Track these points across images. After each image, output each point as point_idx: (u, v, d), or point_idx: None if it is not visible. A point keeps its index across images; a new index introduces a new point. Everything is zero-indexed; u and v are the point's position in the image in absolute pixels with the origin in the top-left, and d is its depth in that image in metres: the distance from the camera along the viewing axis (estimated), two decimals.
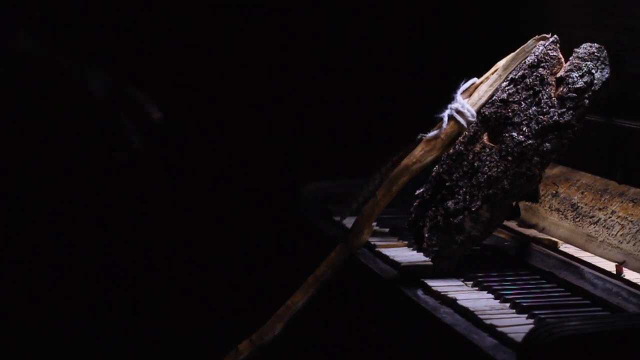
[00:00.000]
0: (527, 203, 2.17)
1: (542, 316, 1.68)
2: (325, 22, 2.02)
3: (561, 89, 1.93)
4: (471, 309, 1.72)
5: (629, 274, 1.85)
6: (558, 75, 1.96)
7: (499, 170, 1.91)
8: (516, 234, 2.15)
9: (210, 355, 2.14)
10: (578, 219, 2.06)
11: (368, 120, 2.89)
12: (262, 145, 2.64)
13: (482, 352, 1.58)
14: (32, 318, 1.68)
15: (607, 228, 1.98)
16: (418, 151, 2.05)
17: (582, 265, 1.91)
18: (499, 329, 1.63)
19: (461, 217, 1.91)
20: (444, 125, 2.04)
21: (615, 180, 2.05)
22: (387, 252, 2.09)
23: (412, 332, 1.89)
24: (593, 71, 1.93)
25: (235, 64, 1.77)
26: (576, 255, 1.98)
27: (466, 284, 1.89)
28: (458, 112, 2.04)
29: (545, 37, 2.04)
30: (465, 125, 2.03)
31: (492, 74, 2.07)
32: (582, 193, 2.10)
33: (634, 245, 1.89)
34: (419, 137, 2.06)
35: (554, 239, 2.06)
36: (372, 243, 2.14)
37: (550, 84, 1.95)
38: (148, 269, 1.97)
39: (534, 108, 1.93)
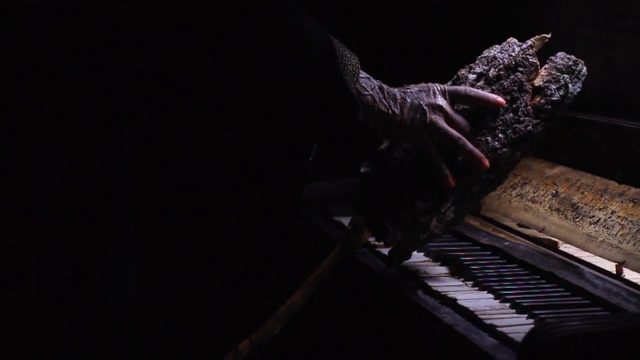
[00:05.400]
0: (527, 203, 2.17)
1: (542, 316, 1.68)
2: (325, 21, 2.02)
3: (538, 99, 1.92)
4: (471, 309, 1.72)
5: (629, 274, 1.85)
6: (536, 84, 1.95)
7: (471, 175, 1.91)
8: (516, 234, 2.16)
9: (210, 355, 2.14)
10: (578, 219, 2.06)
11: None
12: (262, 145, 2.64)
13: (482, 352, 1.58)
14: (30, 317, 1.68)
15: (607, 228, 1.98)
16: None
17: (582, 265, 1.91)
18: (499, 329, 1.63)
19: (429, 217, 1.91)
20: None
21: (615, 180, 2.06)
22: (387, 252, 2.09)
23: (412, 332, 1.89)
24: (569, 85, 1.93)
25: (233, 63, 1.77)
26: (576, 255, 1.98)
27: (466, 284, 1.89)
28: None
29: (545, 37, 2.04)
30: None
31: None
32: (582, 193, 2.10)
33: (634, 245, 1.90)
34: None
35: (554, 239, 2.06)
36: (372, 243, 2.14)
37: (528, 92, 1.94)
38: (147, 268, 1.96)
39: (510, 115, 1.92)
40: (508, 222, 2.22)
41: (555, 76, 1.94)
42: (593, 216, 2.03)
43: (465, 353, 1.63)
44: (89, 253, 1.69)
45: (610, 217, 1.99)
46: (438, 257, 2.03)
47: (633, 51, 2.16)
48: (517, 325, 1.65)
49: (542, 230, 2.14)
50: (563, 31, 2.23)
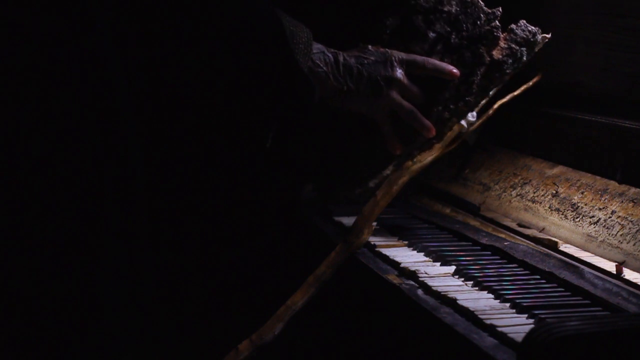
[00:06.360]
0: (527, 203, 2.17)
1: (542, 316, 1.68)
2: (325, 22, 2.02)
3: (493, 72, 1.93)
4: (471, 309, 1.72)
5: (629, 274, 1.85)
6: (495, 56, 1.94)
7: (416, 141, 1.94)
8: (516, 234, 2.15)
9: (210, 355, 2.14)
10: (578, 219, 2.06)
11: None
12: (262, 144, 2.64)
13: (482, 352, 1.58)
14: (29, 317, 1.68)
15: (607, 228, 1.98)
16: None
17: (582, 265, 1.91)
18: (499, 329, 1.63)
19: (372, 180, 1.95)
20: None
21: (615, 180, 2.05)
22: (387, 252, 2.09)
23: (412, 332, 1.89)
24: (524, 57, 1.94)
25: (234, 62, 1.77)
26: (576, 255, 1.98)
27: (466, 284, 1.89)
28: None
29: (545, 37, 2.04)
30: (465, 125, 2.03)
31: None
32: (582, 193, 2.10)
33: (634, 245, 1.90)
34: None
35: (554, 239, 2.06)
36: (372, 243, 2.14)
37: (485, 65, 1.94)
38: (147, 268, 1.96)
39: (464, 87, 1.93)
40: (508, 222, 2.22)
41: (514, 50, 1.94)
42: (593, 216, 2.03)
43: (465, 353, 1.63)
44: (89, 253, 1.69)
45: (610, 217, 1.99)
46: (438, 257, 2.03)
47: (633, 51, 2.15)
48: (517, 325, 1.64)
49: (542, 230, 2.14)
50: (563, 31, 2.23)
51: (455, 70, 1.91)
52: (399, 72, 1.89)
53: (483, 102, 1.93)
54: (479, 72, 1.92)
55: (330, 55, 1.85)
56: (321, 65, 1.84)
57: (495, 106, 2.09)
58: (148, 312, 1.93)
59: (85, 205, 1.67)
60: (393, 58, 1.90)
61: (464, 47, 1.94)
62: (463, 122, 2.02)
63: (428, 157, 2.05)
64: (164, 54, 1.72)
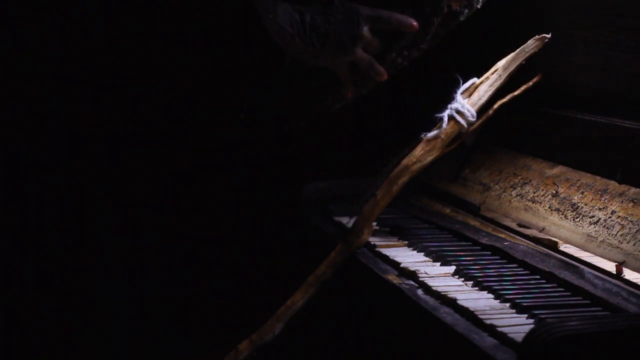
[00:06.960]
0: (527, 203, 2.17)
1: (542, 316, 1.68)
2: None
3: (448, 21, 1.98)
4: (471, 309, 1.72)
5: (629, 274, 1.85)
6: (453, 8, 1.99)
7: (368, 85, 2.02)
8: (516, 234, 2.16)
9: (210, 355, 2.14)
10: (578, 219, 2.06)
11: (368, 120, 2.89)
12: (262, 144, 2.64)
13: (482, 352, 1.58)
14: (30, 316, 1.68)
15: (607, 228, 1.98)
16: (418, 151, 2.05)
17: (582, 265, 1.91)
18: (499, 329, 1.63)
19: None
20: (444, 125, 2.05)
21: (615, 180, 2.06)
22: (387, 252, 2.09)
23: (412, 332, 1.89)
24: (478, 5, 2.00)
25: (235, 62, 1.77)
26: (576, 255, 1.98)
27: (466, 284, 1.89)
28: (458, 112, 2.04)
29: (545, 37, 2.05)
30: (465, 125, 2.03)
31: (492, 74, 2.07)
32: (582, 193, 2.10)
33: (634, 245, 1.90)
34: (422, 135, 2.07)
35: (554, 239, 2.06)
36: (372, 243, 2.14)
37: (442, 14, 1.99)
38: (147, 268, 1.97)
39: (420, 36, 1.99)
40: (508, 222, 2.22)
41: (471, 1, 1.99)
42: (593, 216, 2.03)
43: (465, 353, 1.64)
44: (89, 252, 1.69)
45: (610, 217, 1.99)
46: (438, 257, 2.03)
47: (633, 51, 2.16)
48: (517, 325, 1.65)
49: (542, 230, 2.14)
50: (563, 31, 2.23)
51: (415, 24, 1.97)
52: (365, 29, 1.92)
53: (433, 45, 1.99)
54: (435, 22, 1.97)
55: (296, 15, 1.86)
56: (287, 27, 1.84)
57: (495, 106, 2.09)
58: (148, 312, 1.93)
59: (86, 205, 1.67)
60: (360, 17, 1.92)
61: (426, 4, 1.99)
62: (463, 122, 2.03)
63: (428, 157, 2.05)
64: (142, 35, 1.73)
